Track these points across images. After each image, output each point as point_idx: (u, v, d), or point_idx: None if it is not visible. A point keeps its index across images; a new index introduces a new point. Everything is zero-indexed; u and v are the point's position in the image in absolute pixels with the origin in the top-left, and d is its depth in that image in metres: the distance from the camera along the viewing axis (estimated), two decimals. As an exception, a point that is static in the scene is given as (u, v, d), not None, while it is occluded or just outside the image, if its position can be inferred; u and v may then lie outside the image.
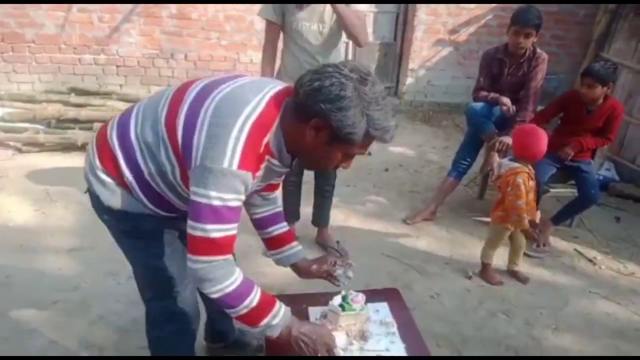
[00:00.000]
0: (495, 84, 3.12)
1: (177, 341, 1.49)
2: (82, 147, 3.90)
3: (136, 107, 1.29)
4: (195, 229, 1.10)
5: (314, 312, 1.46)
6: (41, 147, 3.83)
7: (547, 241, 3.00)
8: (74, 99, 4.32)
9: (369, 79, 1.06)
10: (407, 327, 1.45)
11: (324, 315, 1.41)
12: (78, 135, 3.88)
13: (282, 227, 1.50)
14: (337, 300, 1.38)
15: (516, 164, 2.45)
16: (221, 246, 1.12)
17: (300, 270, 1.51)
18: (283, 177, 1.46)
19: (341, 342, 1.33)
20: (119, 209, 1.26)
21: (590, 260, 2.96)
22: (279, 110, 1.13)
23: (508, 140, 2.96)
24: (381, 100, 1.07)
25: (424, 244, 3.01)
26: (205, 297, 1.75)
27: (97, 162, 1.27)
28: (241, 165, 1.06)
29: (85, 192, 1.36)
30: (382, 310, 1.50)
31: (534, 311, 2.45)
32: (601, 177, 3.94)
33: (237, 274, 1.17)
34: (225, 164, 1.05)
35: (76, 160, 3.81)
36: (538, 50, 3.02)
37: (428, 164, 4.30)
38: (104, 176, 1.25)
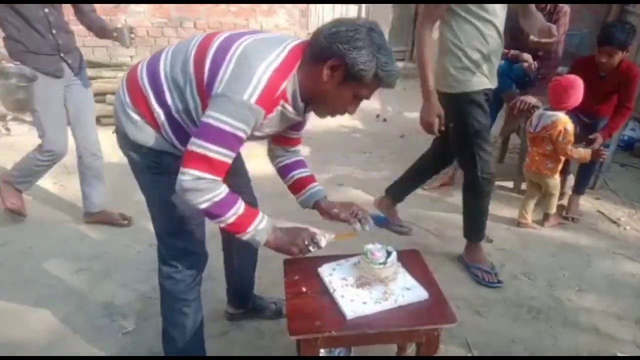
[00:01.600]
0: (515, 41, 3.00)
1: (185, 278, 1.56)
2: (97, 120, 3.90)
3: (165, 50, 1.39)
4: (198, 146, 1.21)
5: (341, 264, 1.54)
6: (56, 120, 3.83)
7: (577, 213, 2.93)
8: (85, 71, 4.29)
9: (376, 29, 1.24)
10: (427, 284, 1.46)
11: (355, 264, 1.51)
12: (91, 107, 3.87)
13: (303, 172, 1.61)
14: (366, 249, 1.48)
15: (560, 114, 2.57)
16: (215, 166, 1.23)
17: (322, 210, 1.57)
18: (300, 134, 1.59)
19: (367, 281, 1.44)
20: (144, 145, 1.38)
21: (614, 222, 2.90)
22: (299, 59, 1.26)
23: (530, 99, 2.87)
24: (387, 47, 1.23)
25: (442, 209, 2.97)
26: (228, 262, 1.88)
27: (128, 100, 1.38)
28: (258, 101, 1.18)
29: (113, 133, 1.48)
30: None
31: (556, 273, 2.42)
32: (626, 138, 3.83)
33: (224, 187, 1.27)
34: (245, 97, 1.17)
35: (91, 133, 3.81)
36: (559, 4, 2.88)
37: (445, 128, 4.21)
38: (133, 114, 1.36)
